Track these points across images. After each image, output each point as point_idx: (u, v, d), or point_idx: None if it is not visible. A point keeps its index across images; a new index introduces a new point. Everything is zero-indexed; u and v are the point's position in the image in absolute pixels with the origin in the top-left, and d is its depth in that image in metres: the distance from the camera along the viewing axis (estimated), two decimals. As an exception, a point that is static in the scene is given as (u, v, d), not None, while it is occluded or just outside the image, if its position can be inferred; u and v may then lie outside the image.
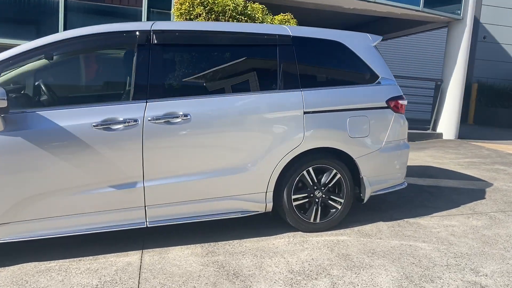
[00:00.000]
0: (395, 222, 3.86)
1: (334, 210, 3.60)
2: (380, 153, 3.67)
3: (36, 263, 2.95)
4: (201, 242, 3.34)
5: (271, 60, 3.43)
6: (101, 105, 2.96)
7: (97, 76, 3.34)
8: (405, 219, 3.94)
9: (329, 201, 3.57)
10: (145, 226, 3.11)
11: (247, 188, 3.31)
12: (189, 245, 3.27)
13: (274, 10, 6.99)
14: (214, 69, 3.37)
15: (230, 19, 6.12)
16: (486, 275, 2.86)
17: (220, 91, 3.30)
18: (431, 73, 15.65)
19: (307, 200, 3.51)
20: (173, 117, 3.04)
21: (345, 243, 3.36)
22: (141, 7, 6.88)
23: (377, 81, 3.71)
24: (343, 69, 3.68)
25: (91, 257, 3.04)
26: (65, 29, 6.52)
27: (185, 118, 3.07)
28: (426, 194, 4.84)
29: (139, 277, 2.75)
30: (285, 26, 3.58)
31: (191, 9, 6.09)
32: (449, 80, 9.65)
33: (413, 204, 4.42)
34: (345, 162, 3.59)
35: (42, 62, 2.99)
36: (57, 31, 6.37)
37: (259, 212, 3.42)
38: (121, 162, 2.95)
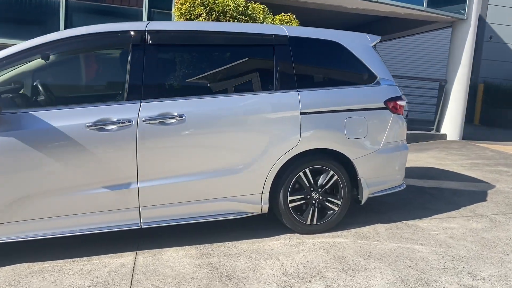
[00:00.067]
0: (394, 224, 3.82)
1: (331, 212, 3.56)
2: (378, 155, 3.63)
3: (30, 263, 2.94)
4: (196, 243, 3.32)
5: (268, 61, 3.40)
6: (95, 105, 2.94)
7: (91, 76, 3.33)
8: (404, 221, 3.89)
9: (326, 203, 3.54)
10: (139, 227, 3.09)
11: (243, 189, 3.28)
12: (184, 247, 3.25)
13: (276, 10, 6.96)
14: (209, 69, 3.35)
15: (231, 19, 6.10)
16: (484, 279, 2.82)
17: (216, 92, 3.28)
18: (436, 73, 15.55)
19: (303, 201, 3.48)
20: (168, 118, 3.02)
21: (342, 245, 3.32)
22: (142, 7, 6.89)
23: (375, 81, 3.67)
24: (340, 69, 3.64)
25: (85, 258, 3.03)
26: (66, 29, 6.52)
27: (180, 118, 3.05)
28: (427, 195, 4.79)
29: (132, 278, 2.73)
30: (282, 26, 3.55)
31: (191, 9, 6.08)
32: (453, 80, 9.56)
33: (412, 206, 4.38)
34: (343, 164, 3.55)
35: (36, 62, 2.98)
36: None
37: (255, 214, 3.39)
38: (115, 163, 2.94)
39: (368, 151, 3.58)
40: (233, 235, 3.49)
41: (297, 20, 6.70)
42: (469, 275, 2.87)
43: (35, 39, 2.95)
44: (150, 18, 7.00)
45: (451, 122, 9.65)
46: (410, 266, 2.98)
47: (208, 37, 3.31)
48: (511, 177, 5.87)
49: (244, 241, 3.38)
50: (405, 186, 3.95)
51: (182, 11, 6.11)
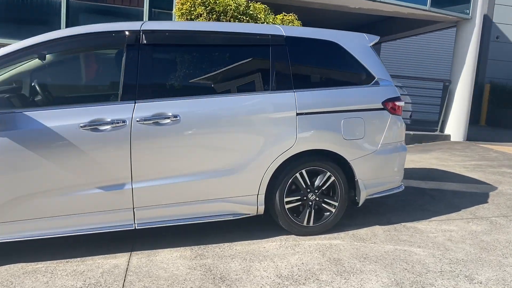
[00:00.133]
0: (392, 226, 3.78)
1: (328, 213, 3.53)
2: (376, 156, 3.59)
3: (24, 264, 2.94)
4: (191, 244, 3.30)
5: (264, 61, 3.38)
6: (88, 105, 2.93)
7: (86, 76, 3.32)
8: (403, 223, 3.85)
9: (323, 204, 3.50)
10: (133, 228, 3.08)
11: (238, 190, 3.26)
12: (178, 248, 3.23)
13: (279, 10, 6.92)
14: (205, 70, 3.33)
15: (232, 19, 6.08)
16: (481, 283, 2.77)
17: (211, 92, 3.26)
18: (441, 74, 15.43)
19: (300, 203, 3.45)
20: (162, 118, 3.00)
21: (338, 247, 3.29)
22: (143, 7, 6.89)
23: (373, 82, 3.63)
24: (338, 69, 3.61)
25: (78, 259, 3.02)
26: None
27: (174, 119, 3.03)
28: (427, 197, 4.74)
29: (124, 280, 2.72)
30: (278, 26, 3.52)
31: (192, 9, 6.07)
32: (458, 80, 9.48)
33: (412, 208, 4.33)
34: (340, 165, 3.52)
35: (31, 62, 2.98)
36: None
37: (251, 215, 3.36)
38: (109, 163, 2.92)
39: (366, 152, 3.54)
40: (228, 236, 3.47)
41: (299, 21, 6.67)
42: (466, 278, 2.83)
43: (29, 39, 2.94)
44: (151, 18, 7.00)
45: (455, 122, 9.57)
46: (406, 269, 2.94)
47: (203, 37, 3.29)
48: (514, 178, 5.80)
49: (239, 242, 3.35)
50: (403, 187, 3.90)
51: (183, 11, 6.10)
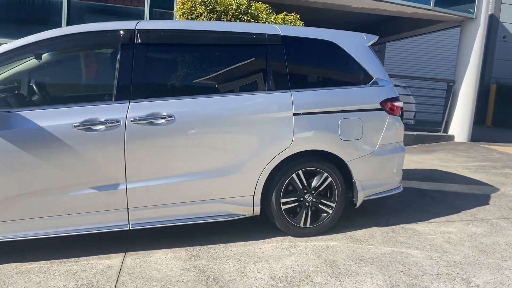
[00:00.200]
0: (390, 227, 3.73)
1: (325, 214, 3.50)
2: (374, 157, 3.55)
3: (18, 263, 2.93)
4: (186, 245, 3.28)
5: (260, 60, 3.35)
6: (82, 105, 2.92)
7: (80, 75, 3.31)
8: (401, 225, 3.81)
9: (320, 205, 3.47)
10: (128, 228, 3.06)
11: (234, 191, 3.23)
12: (174, 248, 3.21)
13: (282, 10, 6.88)
14: (200, 69, 3.31)
15: (232, 19, 6.05)
16: (478, 286, 2.73)
17: (207, 92, 3.23)
18: (445, 74, 15.32)
19: (297, 204, 3.42)
20: (157, 118, 2.99)
21: (334, 248, 3.25)
22: (144, 6, 6.88)
23: (371, 82, 3.59)
24: (335, 69, 3.58)
25: (72, 259, 3.01)
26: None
27: (169, 119, 3.01)
28: (427, 198, 4.69)
29: (117, 281, 2.70)
30: (275, 26, 3.49)
31: (193, 8, 6.05)
32: (462, 81, 9.39)
33: (411, 209, 4.29)
34: (337, 165, 3.48)
35: (25, 61, 2.98)
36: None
37: (246, 216, 3.34)
38: (103, 164, 2.91)
39: (363, 153, 3.50)
40: (225, 237, 3.44)
41: (302, 21, 6.62)
42: (463, 281, 2.79)
43: (23, 38, 2.94)
44: (152, 17, 6.99)
45: (459, 123, 9.48)
46: (402, 271, 2.90)
47: (199, 36, 3.27)
48: (517, 180, 5.73)
49: (235, 243, 3.33)
50: (402, 188, 3.86)
51: (184, 10, 6.08)
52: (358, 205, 3.57)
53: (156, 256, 3.08)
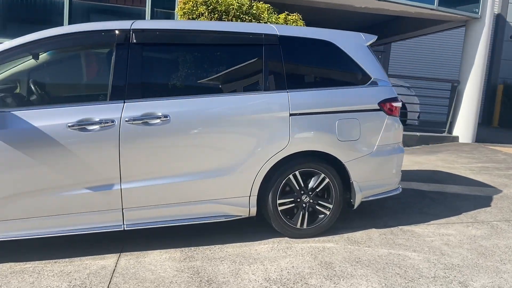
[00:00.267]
0: (388, 229, 3.69)
1: (323, 215, 3.47)
2: (372, 157, 3.51)
3: (12, 263, 2.93)
4: (182, 246, 3.26)
5: (257, 60, 3.32)
6: (77, 105, 2.91)
7: (74, 75, 3.30)
8: (400, 227, 3.76)
9: (317, 207, 3.44)
10: (122, 229, 3.05)
11: (230, 191, 3.21)
12: (169, 249, 3.20)
13: (283, 10, 6.85)
14: (196, 69, 3.29)
15: (234, 19, 6.03)
16: (475, 289, 2.69)
17: (202, 92, 3.21)
18: (450, 74, 15.20)
19: (293, 205, 3.39)
20: (152, 118, 2.97)
21: (331, 250, 3.22)
22: (145, 7, 6.88)
23: (369, 82, 3.55)
24: (333, 69, 3.54)
25: (67, 260, 3.00)
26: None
27: (164, 119, 3.00)
28: (428, 200, 4.64)
29: (110, 281, 2.69)
30: (272, 25, 3.47)
31: (194, 8, 6.04)
32: (467, 81, 9.30)
33: (411, 211, 4.24)
34: (334, 166, 3.45)
35: (20, 61, 2.97)
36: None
37: (242, 217, 3.31)
38: (97, 164, 2.90)
39: (361, 153, 3.47)
40: (220, 238, 3.42)
41: (303, 21, 6.59)
42: (460, 284, 2.74)
43: (18, 38, 2.94)
44: (153, 17, 6.99)
45: (464, 124, 9.39)
46: (398, 274, 2.86)
47: (195, 36, 3.25)
48: (520, 181, 5.66)
49: (231, 244, 3.31)
50: (401, 190, 3.82)
51: (185, 10, 6.07)
52: (356, 206, 3.53)
53: (151, 256, 3.07)
